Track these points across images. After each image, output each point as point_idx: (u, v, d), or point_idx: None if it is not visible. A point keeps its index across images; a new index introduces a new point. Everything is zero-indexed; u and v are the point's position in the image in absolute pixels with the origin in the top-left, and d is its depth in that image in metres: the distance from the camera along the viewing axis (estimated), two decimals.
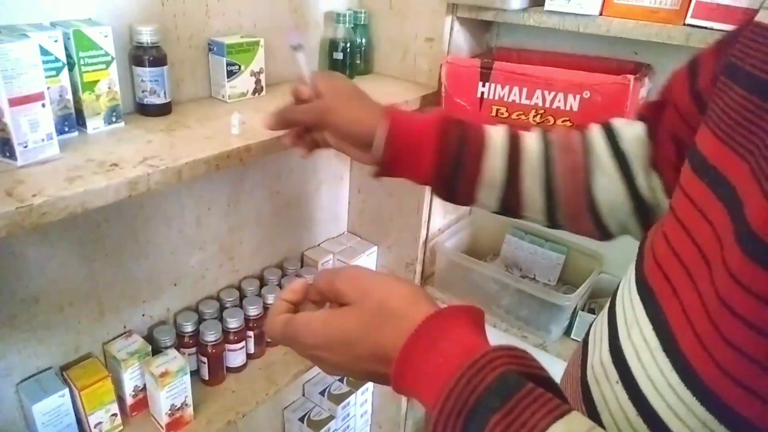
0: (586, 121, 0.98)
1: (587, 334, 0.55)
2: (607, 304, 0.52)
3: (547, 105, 1.02)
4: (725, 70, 0.44)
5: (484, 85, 1.06)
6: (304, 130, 0.73)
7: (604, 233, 0.69)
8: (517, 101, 1.04)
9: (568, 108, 1.00)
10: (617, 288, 0.52)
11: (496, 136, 0.67)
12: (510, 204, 0.68)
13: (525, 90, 1.03)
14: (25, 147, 0.69)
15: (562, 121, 1.02)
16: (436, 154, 0.66)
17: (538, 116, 1.03)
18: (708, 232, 0.38)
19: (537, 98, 1.02)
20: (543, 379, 0.38)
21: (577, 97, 0.99)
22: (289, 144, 0.74)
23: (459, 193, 0.69)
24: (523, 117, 1.05)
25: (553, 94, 1.01)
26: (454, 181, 0.67)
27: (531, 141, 0.67)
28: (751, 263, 0.32)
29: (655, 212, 0.65)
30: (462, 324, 0.42)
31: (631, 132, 0.65)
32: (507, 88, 1.04)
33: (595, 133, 0.67)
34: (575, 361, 0.53)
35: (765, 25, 0.40)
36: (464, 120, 0.68)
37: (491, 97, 1.06)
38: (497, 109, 1.06)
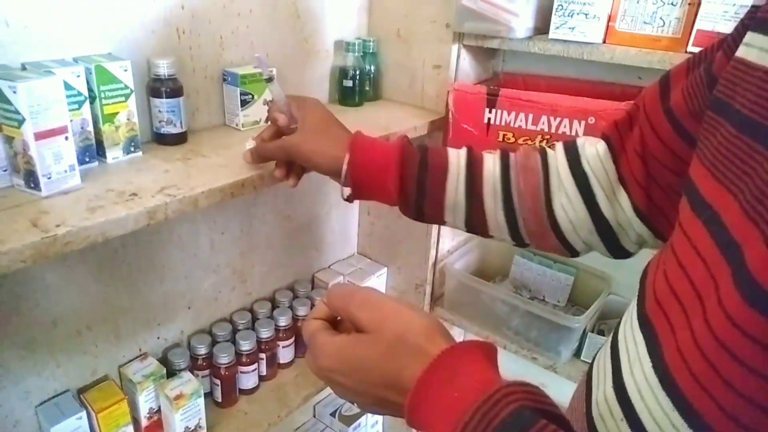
0: None
1: (591, 367, 0.56)
2: (610, 338, 0.52)
3: (553, 130, 1.04)
4: (712, 106, 0.45)
5: (490, 111, 1.09)
6: (286, 161, 0.79)
7: (570, 250, 0.72)
8: (524, 127, 1.06)
9: (573, 133, 1.02)
10: (619, 322, 0.52)
11: (457, 159, 0.71)
12: (476, 225, 0.72)
13: (531, 116, 1.05)
14: (49, 178, 0.72)
15: None
16: (398, 180, 0.71)
17: (544, 141, 1.05)
18: (701, 269, 0.39)
19: (543, 124, 1.04)
20: (556, 417, 0.38)
21: (582, 122, 1.01)
22: (280, 176, 0.81)
23: (427, 215, 0.74)
24: (529, 142, 1.07)
25: (558, 119, 1.03)
26: (421, 204, 0.72)
27: (490, 163, 0.71)
28: (751, 309, 0.32)
29: (620, 231, 0.67)
30: (477, 359, 0.43)
31: (594, 150, 0.67)
32: (513, 114, 1.07)
33: (558, 151, 0.69)
34: (579, 395, 0.53)
35: (748, 63, 0.41)
36: (426, 146, 0.74)
37: (498, 122, 1.09)
38: (504, 135, 1.09)
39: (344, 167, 0.71)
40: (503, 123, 1.08)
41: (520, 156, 0.71)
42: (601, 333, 1.33)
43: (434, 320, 0.47)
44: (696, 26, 0.90)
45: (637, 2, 0.95)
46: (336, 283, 0.63)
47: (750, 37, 0.43)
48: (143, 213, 0.71)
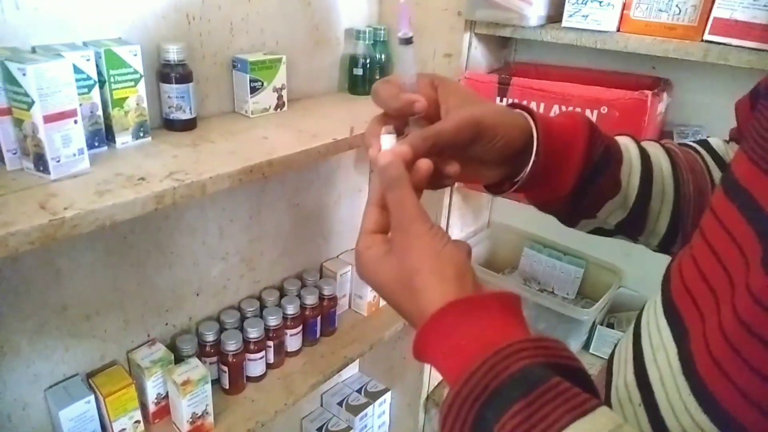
0: None
1: (611, 355, 0.55)
2: (632, 327, 0.51)
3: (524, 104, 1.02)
4: (766, 94, 0.43)
5: (501, 100, 1.08)
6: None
7: None
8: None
9: None
10: (642, 310, 0.51)
11: (626, 147, 0.60)
12: (631, 226, 0.61)
13: (543, 105, 1.04)
14: (58, 161, 0.72)
15: None
16: (583, 157, 0.56)
17: None
18: (736, 254, 0.38)
19: (554, 113, 1.03)
20: (575, 371, 0.37)
21: (595, 112, 1.00)
22: (455, 171, 0.51)
23: (583, 207, 0.59)
24: None
25: (570, 109, 1.02)
26: (585, 193, 0.58)
27: (660, 159, 0.60)
28: None
29: None
30: (495, 313, 0.40)
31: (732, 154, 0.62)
32: (524, 103, 1.05)
33: (704, 154, 0.63)
34: (599, 383, 0.52)
35: None
36: (598, 128, 0.59)
37: None
38: None
39: (534, 136, 0.53)
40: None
41: (683, 153, 0.61)
42: (610, 326, 1.32)
43: (466, 255, 0.44)
44: (713, 14, 0.89)
45: None
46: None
47: None
48: (151, 197, 0.71)
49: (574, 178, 0.56)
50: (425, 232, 0.43)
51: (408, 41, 0.52)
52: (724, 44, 0.89)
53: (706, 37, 0.90)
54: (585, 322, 1.23)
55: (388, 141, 0.48)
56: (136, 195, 0.70)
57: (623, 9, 0.97)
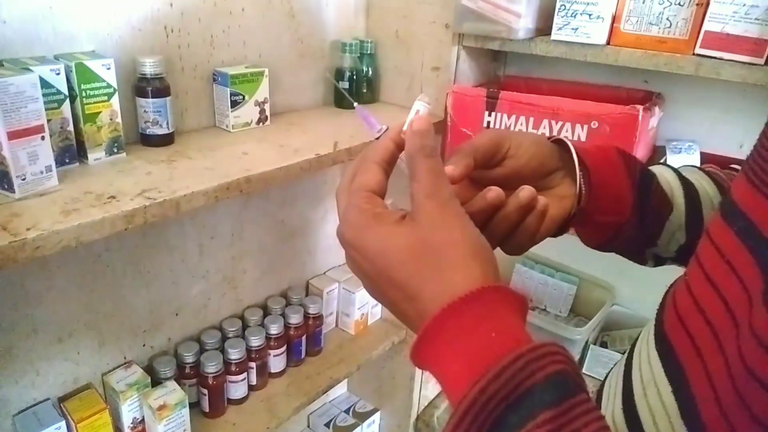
0: None
1: (602, 384, 0.52)
2: (626, 355, 0.48)
3: (555, 135, 1.00)
4: None
5: (490, 115, 1.05)
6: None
7: None
8: (524, 131, 1.02)
9: (575, 138, 0.98)
10: (637, 337, 0.48)
11: (664, 172, 0.57)
12: (692, 248, 0.56)
13: (531, 119, 1.01)
14: (23, 180, 0.69)
15: None
16: (629, 180, 0.52)
17: None
18: (737, 288, 0.35)
19: (544, 128, 1.01)
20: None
21: (585, 127, 0.97)
22: (496, 197, 0.45)
23: (645, 233, 0.54)
24: None
25: (560, 124, 0.99)
26: (643, 216, 0.53)
27: (703, 182, 0.56)
28: None
29: None
30: (523, 311, 0.35)
31: None
32: (513, 117, 1.03)
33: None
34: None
35: None
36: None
37: (497, 126, 1.05)
38: None
39: (573, 150, 0.51)
40: (503, 127, 1.04)
41: (722, 174, 0.58)
42: (604, 345, 1.29)
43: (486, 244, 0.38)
44: (704, 27, 0.87)
45: (643, 2, 0.91)
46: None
47: None
48: (120, 217, 0.68)
49: (629, 197, 0.52)
50: (464, 212, 0.37)
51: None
52: (716, 58, 0.86)
53: (698, 50, 0.88)
54: (577, 342, 1.20)
55: (423, 108, 0.43)
56: (104, 214, 0.67)
57: (613, 22, 0.94)
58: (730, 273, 0.36)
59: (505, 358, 0.31)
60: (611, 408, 0.45)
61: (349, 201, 0.39)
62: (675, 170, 0.57)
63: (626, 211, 0.52)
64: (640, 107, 0.94)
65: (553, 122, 0.99)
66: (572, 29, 0.97)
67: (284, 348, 1.17)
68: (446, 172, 0.42)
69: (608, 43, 0.96)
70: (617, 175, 0.52)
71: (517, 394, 0.30)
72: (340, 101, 1.19)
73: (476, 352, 0.32)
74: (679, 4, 0.89)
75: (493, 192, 0.43)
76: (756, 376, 0.30)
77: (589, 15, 0.95)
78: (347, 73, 1.17)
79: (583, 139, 0.98)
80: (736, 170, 0.58)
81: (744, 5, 0.83)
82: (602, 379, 0.54)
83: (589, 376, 1.25)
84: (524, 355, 0.31)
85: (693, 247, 0.52)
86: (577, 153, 0.51)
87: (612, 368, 0.52)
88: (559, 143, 0.52)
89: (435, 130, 1.12)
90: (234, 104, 0.97)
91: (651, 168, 0.57)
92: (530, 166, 0.50)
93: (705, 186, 0.56)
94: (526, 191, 0.44)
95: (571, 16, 0.96)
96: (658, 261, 0.59)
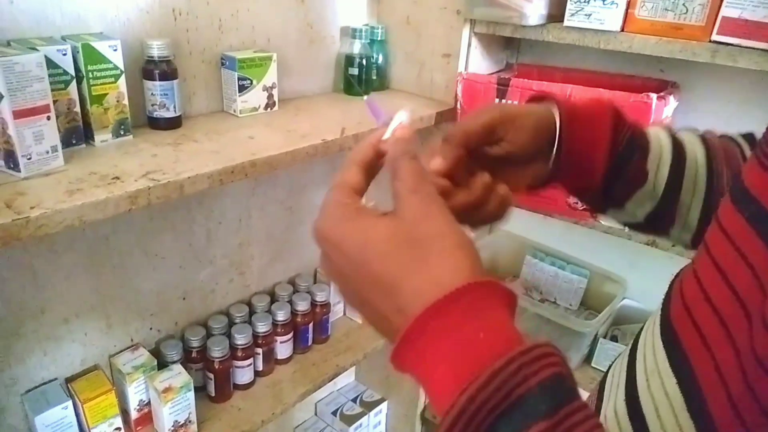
0: None
1: (605, 375, 0.51)
2: (629, 347, 0.47)
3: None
4: None
5: (500, 102, 1.04)
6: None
7: None
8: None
9: None
10: (641, 328, 0.47)
11: (657, 135, 0.56)
12: (661, 219, 0.57)
13: None
14: (29, 159, 0.69)
15: None
16: (609, 149, 0.52)
17: None
18: (748, 277, 0.33)
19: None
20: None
21: None
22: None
23: (612, 195, 0.55)
24: None
25: None
26: (614, 182, 0.54)
27: (695, 147, 0.56)
28: None
29: None
30: (512, 307, 0.33)
31: None
32: None
33: (745, 147, 0.58)
34: (590, 406, 0.48)
35: None
36: (625, 115, 0.56)
37: None
38: None
39: (557, 123, 0.51)
40: None
41: (722, 145, 0.57)
42: (614, 339, 1.27)
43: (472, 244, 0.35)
44: (721, 13, 0.84)
45: None
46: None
47: None
48: (124, 197, 0.68)
49: (602, 166, 0.53)
50: (447, 208, 0.35)
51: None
52: (733, 45, 0.84)
53: (714, 37, 0.86)
54: (587, 335, 1.18)
55: (405, 118, 0.44)
56: (108, 195, 0.67)
57: (628, 8, 0.92)
58: (740, 261, 0.34)
59: (496, 362, 0.28)
60: (613, 399, 0.43)
61: (329, 197, 0.38)
62: (673, 136, 0.56)
63: (593, 185, 0.54)
64: (654, 96, 0.92)
65: None
66: (585, 15, 0.95)
67: (291, 335, 1.17)
68: (435, 165, 0.44)
69: (622, 29, 0.94)
70: (597, 147, 0.52)
71: (509, 403, 0.27)
72: (350, 88, 1.19)
73: (463, 354, 0.30)
74: None
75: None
76: (766, 368, 0.29)
77: (603, 0, 0.93)
78: (357, 60, 1.16)
79: None
80: (734, 139, 0.58)
81: None
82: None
83: (598, 369, 1.23)
84: (516, 359, 0.28)
85: (663, 215, 0.56)
86: (561, 126, 0.51)
87: (615, 359, 0.51)
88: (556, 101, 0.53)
89: (444, 118, 1.11)
90: (242, 89, 0.97)
91: (649, 131, 0.56)
92: (526, 151, 0.50)
93: (696, 153, 0.55)
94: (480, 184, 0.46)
95: (585, 1, 0.94)
96: (629, 225, 0.59)
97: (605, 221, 1.01)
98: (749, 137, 0.58)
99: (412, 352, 0.31)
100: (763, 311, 0.30)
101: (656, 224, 0.58)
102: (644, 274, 1.27)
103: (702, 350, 0.35)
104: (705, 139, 0.57)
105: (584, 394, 0.53)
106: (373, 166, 0.41)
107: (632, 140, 0.54)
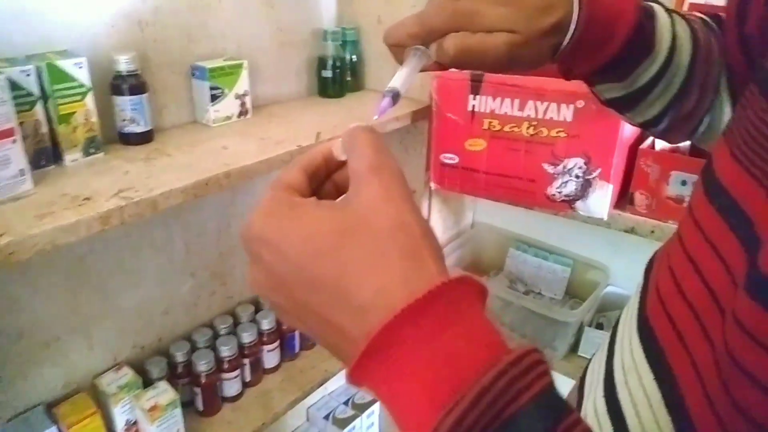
0: (581, 132, 0.96)
1: (586, 369, 0.50)
2: (608, 340, 0.46)
3: (540, 116, 0.98)
4: (757, 75, 0.36)
5: (474, 98, 1.03)
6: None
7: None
8: (509, 113, 1.01)
9: (561, 118, 0.97)
10: (618, 320, 0.47)
11: (660, 15, 0.51)
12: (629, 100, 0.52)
13: (517, 101, 1.00)
14: None
15: (557, 132, 0.98)
16: (626, 42, 0.46)
17: (531, 128, 1.00)
18: (721, 272, 0.33)
19: (529, 109, 0.99)
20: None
21: (571, 106, 0.96)
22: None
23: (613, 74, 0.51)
24: (516, 129, 1.01)
25: (545, 104, 0.98)
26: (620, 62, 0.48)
27: (684, 42, 0.51)
28: (765, 313, 0.27)
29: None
30: (479, 307, 0.28)
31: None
32: (498, 100, 1.01)
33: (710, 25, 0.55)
34: (572, 401, 0.48)
35: None
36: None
37: (482, 110, 1.03)
38: (489, 122, 1.03)
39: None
40: (488, 110, 1.02)
41: (704, 40, 0.52)
42: (600, 326, 1.28)
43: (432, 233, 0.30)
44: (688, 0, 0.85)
45: None
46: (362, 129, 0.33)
47: None
48: (96, 218, 0.67)
49: (632, 26, 0.46)
50: (409, 192, 0.31)
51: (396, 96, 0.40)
52: None
53: None
54: (572, 324, 1.19)
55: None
56: (79, 217, 0.66)
57: None
58: (712, 254, 0.34)
59: (483, 377, 0.24)
60: (593, 396, 0.43)
61: (264, 195, 0.32)
62: (669, 14, 0.52)
63: (604, 60, 0.47)
64: None
65: (539, 103, 0.98)
66: None
67: (277, 343, 1.16)
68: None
69: None
70: (622, 16, 0.46)
71: (501, 422, 0.24)
72: (325, 91, 1.18)
73: (444, 368, 0.25)
74: None
75: None
76: (740, 366, 0.28)
77: None
78: (330, 62, 1.15)
79: (569, 119, 0.96)
80: (707, 21, 0.54)
81: None
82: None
83: (585, 357, 1.24)
84: (505, 372, 0.25)
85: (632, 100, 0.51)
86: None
87: (595, 353, 0.51)
88: None
89: (420, 116, 1.10)
90: (214, 98, 0.96)
91: (649, 3, 0.51)
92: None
93: (683, 40, 0.51)
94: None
95: None
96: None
97: (583, 211, 1.02)
98: (716, 19, 0.55)
99: (380, 366, 0.26)
100: (733, 307, 0.30)
101: (618, 104, 0.54)
102: (626, 260, 1.28)
103: (678, 346, 0.35)
104: (695, 36, 0.52)
105: (570, 384, 0.53)
106: (318, 171, 0.35)
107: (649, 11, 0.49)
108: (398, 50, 0.45)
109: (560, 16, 0.43)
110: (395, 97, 0.40)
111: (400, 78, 0.42)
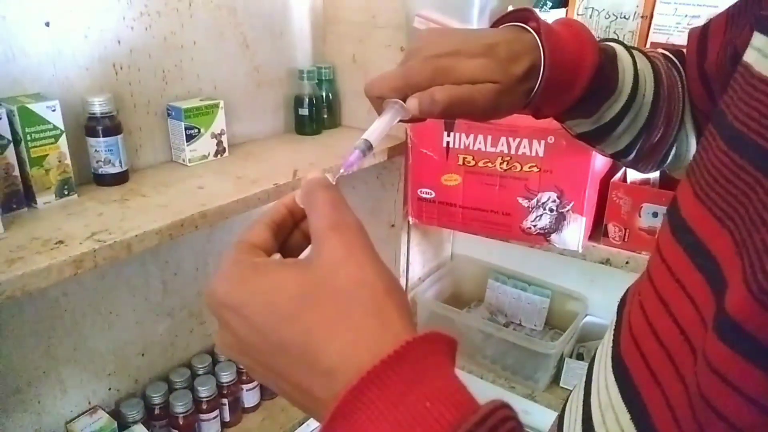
0: (554, 166, 0.98)
1: (564, 405, 0.51)
2: (584, 378, 0.46)
3: (513, 152, 1.00)
4: (715, 117, 0.37)
5: (449, 135, 1.05)
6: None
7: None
8: (483, 149, 1.03)
9: (533, 154, 0.99)
10: (594, 355, 0.47)
11: (621, 55, 0.56)
12: (599, 132, 0.58)
13: (489, 138, 1.02)
14: None
15: (530, 167, 1.00)
16: (597, 58, 0.51)
17: (505, 163, 1.02)
18: (690, 311, 0.33)
19: (502, 145, 1.01)
20: None
21: (542, 142, 0.98)
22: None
23: (582, 109, 0.56)
24: (490, 164, 1.03)
25: (518, 140, 1.00)
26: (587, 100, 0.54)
27: (646, 76, 0.57)
28: (734, 355, 0.27)
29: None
30: (445, 362, 0.28)
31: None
32: (471, 136, 1.03)
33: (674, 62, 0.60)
34: None
35: (746, 65, 0.34)
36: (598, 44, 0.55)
37: (457, 146, 1.05)
38: (464, 158, 1.05)
39: (541, 43, 0.49)
40: (462, 146, 1.04)
41: (666, 75, 0.57)
42: (580, 357, 1.28)
43: (398, 288, 0.31)
44: (650, 39, 0.88)
45: (590, 17, 0.93)
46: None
47: (755, 38, 0.34)
48: (68, 262, 0.66)
49: (591, 72, 0.52)
50: (372, 248, 0.31)
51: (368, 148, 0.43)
52: None
53: None
54: (552, 356, 1.19)
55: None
56: (51, 261, 0.65)
57: None
58: (681, 294, 0.35)
59: None
60: None
61: (225, 256, 0.32)
62: (629, 52, 0.57)
63: (569, 103, 0.53)
64: None
65: (511, 139, 1.00)
66: None
67: (257, 382, 1.15)
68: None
69: None
70: (582, 64, 0.52)
71: None
72: (301, 128, 1.19)
73: (413, 426, 0.25)
74: (625, 17, 0.90)
75: None
76: (712, 407, 0.29)
77: None
78: (306, 100, 1.16)
79: (541, 154, 0.98)
80: (675, 65, 0.59)
81: (685, 16, 0.84)
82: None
83: (567, 389, 1.24)
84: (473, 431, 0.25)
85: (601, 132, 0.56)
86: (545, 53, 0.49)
87: (572, 391, 0.51)
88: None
89: (396, 152, 1.12)
90: (189, 138, 0.96)
91: (611, 44, 0.56)
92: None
93: (646, 76, 0.56)
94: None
95: None
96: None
97: (558, 244, 1.03)
98: (679, 55, 0.60)
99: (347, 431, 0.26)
100: (704, 347, 0.30)
101: (591, 137, 0.59)
102: (603, 290, 1.29)
103: (652, 386, 0.35)
104: (655, 70, 0.57)
105: (553, 416, 0.53)
106: (284, 226, 0.35)
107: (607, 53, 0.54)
108: (379, 102, 0.50)
109: (531, 62, 0.49)
110: (367, 150, 0.42)
111: (375, 130, 0.44)
